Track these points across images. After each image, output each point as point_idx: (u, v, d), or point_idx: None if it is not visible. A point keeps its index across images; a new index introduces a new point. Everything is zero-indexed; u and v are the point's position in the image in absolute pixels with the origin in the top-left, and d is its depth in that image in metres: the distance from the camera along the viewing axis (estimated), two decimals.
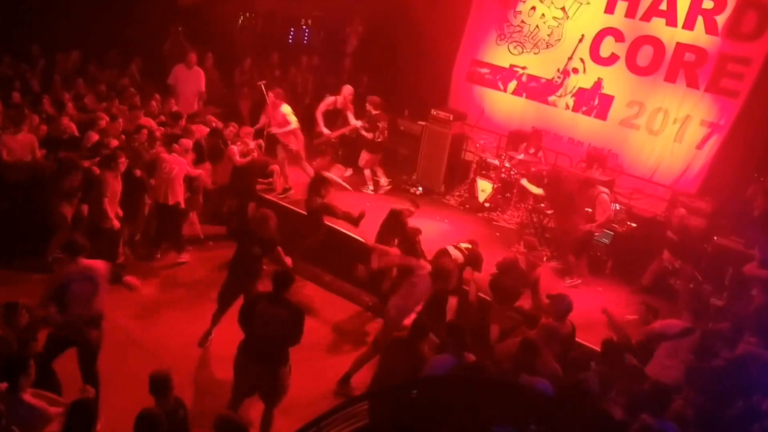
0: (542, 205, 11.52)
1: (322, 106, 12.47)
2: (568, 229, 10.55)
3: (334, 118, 12.64)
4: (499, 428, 4.37)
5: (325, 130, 12.32)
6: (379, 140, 12.41)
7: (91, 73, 13.29)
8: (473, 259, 9.30)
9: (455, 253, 9.13)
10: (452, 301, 8.90)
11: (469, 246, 9.51)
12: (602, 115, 12.79)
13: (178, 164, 9.88)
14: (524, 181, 11.82)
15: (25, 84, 12.06)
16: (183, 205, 10.14)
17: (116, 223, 9.25)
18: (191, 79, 13.10)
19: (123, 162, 9.31)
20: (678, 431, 5.63)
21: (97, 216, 9.17)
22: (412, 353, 6.63)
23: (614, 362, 6.95)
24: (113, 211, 9.23)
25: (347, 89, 12.58)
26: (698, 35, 11.80)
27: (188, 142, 10.24)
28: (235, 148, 11.17)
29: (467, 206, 12.64)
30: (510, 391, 4.91)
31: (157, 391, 5.49)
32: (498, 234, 11.69)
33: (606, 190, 10.46)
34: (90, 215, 9.39)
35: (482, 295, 8.85)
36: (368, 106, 12.65)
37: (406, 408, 4.58)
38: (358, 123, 12.34)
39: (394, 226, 9.35)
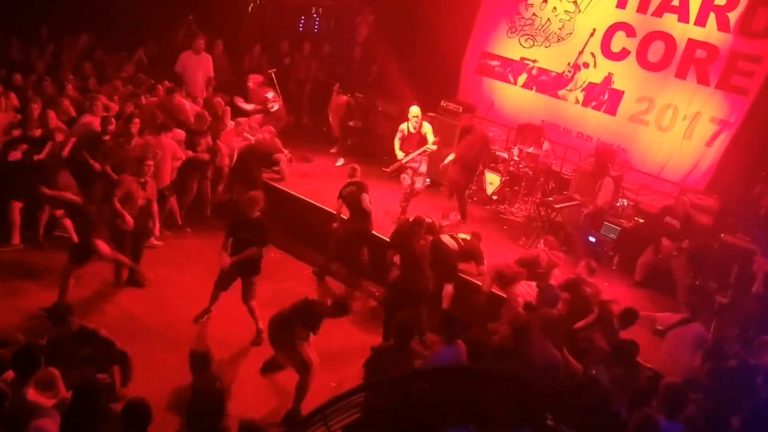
0: (550, 199, 11.53)
1: (399, 134, 11.11)
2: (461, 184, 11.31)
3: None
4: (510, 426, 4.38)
5: (400, 154, 11.04)
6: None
7: (98, 58, 13.27)
8: (469, 252, 9.34)
9: (450, 242, 9.19)
10: (448, 289, 8.99)
11: (467, 237, 9.54)
12: (612, 110, 12.77)
13: (162, 147, 9.77)
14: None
15: (29, 66, 12.02)
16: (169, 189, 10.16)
17: (130, 223, 8.82)
18: (199, 65, 13.10)
19: (150, 165, 9.07)
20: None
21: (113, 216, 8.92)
22: (402, 359, 6.34)
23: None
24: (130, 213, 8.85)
25: (413, 111, 11.05)
26: (710, 32, 11.76)
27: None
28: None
29: (475, 198, 12.63)
30: (517, 385, 4.92)
31: (194, 368, 5.89)
32: (505, 227, 11.71)
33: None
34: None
35: (494, 289, 8.91)
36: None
37: (404, 399, 4.59)
38: (432, 141, 11.04)
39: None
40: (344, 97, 13.66)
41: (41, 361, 5.46)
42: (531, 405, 4.60)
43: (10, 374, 5.40)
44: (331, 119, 13.96)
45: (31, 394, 5.33)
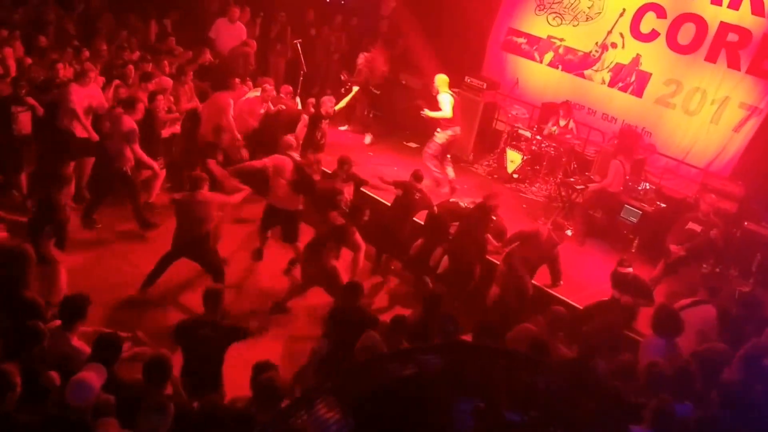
0: (572, 179, 11.43)
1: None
2: None
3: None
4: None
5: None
6: None
7: (132, 24, 13.18)
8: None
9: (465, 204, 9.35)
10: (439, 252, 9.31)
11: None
12: (638, 92, 12.59)
13: None
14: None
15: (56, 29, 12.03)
16: None
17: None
18: (232, 34, 13.12)
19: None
20: (693, 410, 5.56)
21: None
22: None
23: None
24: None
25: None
26: (743, 15, 11.51)
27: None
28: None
29: (495, 176, 12.57)
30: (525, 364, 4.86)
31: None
32: (524, 206, 11.63)
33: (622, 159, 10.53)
34: None
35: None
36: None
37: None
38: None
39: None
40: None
41: (86, 312, 5.64)
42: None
43: (58, 322, 5.65)
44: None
45: (76, 340, 5.57)
